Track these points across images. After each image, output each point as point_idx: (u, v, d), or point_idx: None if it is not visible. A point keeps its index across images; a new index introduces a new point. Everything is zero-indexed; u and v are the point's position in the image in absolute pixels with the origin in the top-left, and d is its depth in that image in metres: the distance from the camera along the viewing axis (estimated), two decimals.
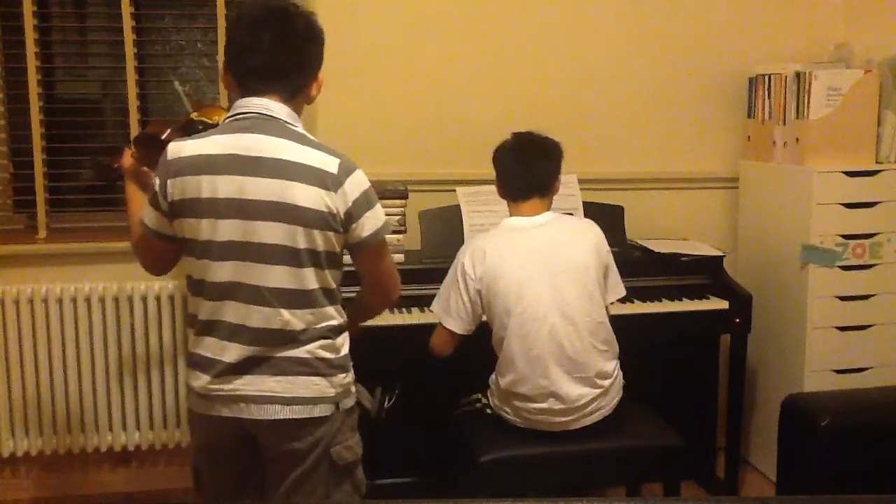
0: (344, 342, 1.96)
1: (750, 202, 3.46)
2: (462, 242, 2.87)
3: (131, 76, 3.20)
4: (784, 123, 3.23)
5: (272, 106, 1.88)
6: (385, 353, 2.79)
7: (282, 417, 1.86)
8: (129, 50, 3.19)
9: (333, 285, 1.92)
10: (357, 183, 1.88)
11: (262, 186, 1.81)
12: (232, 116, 1.90)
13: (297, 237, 1.83)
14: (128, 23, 3.18)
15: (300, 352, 1.87)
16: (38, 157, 3.20)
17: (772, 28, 3.49)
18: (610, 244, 2.57)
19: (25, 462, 3.26)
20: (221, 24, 3.22)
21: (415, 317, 2.86)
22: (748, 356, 3.18)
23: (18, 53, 3.15)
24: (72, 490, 3.29)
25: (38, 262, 3.16)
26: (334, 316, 1.93)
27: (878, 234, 3.13)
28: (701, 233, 3.50)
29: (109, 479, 3.32)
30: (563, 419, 2.45)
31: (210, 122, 2.08)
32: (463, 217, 3.03)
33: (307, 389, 1.88)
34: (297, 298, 1.85)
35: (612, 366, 2.50)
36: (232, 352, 1.86)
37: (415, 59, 3.29)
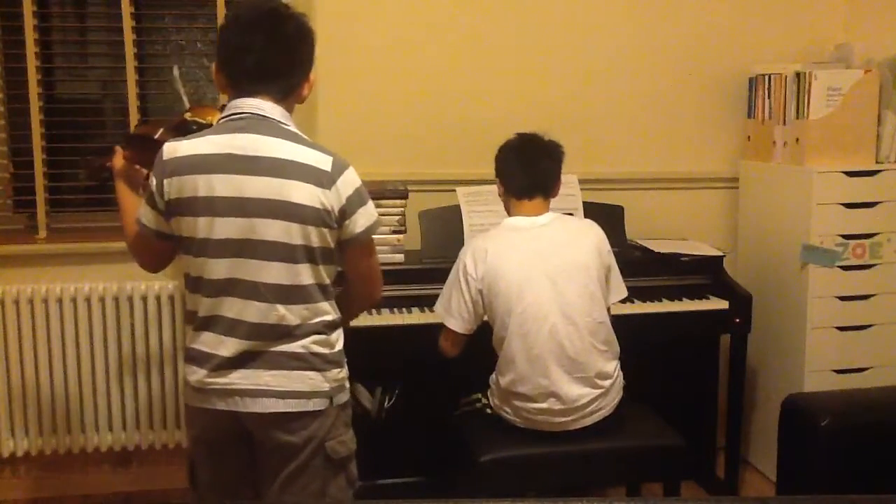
0: (338, 338, 2.00)
1: (750, 202, 3.46)
2: (462, 242, 2.87)
3: (131, 76, 3.20)
4: (784, 123, 3.23)
5: (265, 106, 1.91)
6: (385, 353, 2.80)
7: (276, 411, 1.89)
8: (129, 50, 3.19)
9: (328, 281, 1.95)
10: (350, 180, 1.91)
11: (260, 185, 1.85)
12: (226, 117, 1.93)
13: (294, 234, 1.86)
14: (128, 23, 3.18)
15: (295, 346, 1.90)
16: (38, 157, 3.20)
17: (772, 28, 3.49)
18: (610, 244, 2.57)
19: (25, 462, 3.26)
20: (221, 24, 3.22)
21: (415, 317, 2.86)
22: (748, 356, 3.18)
23: (18, 53, 3.15)
24: (71, 490, 3.29)
25: (38, 262, 3.16)
26: (329, 311, 1.96)
27: (878, 234, 3.13)
28: (701, 233, 3.50)
29: (109, 479, 3.32)
30: (563, 419, 2.45)
31: (204, 122, 2.11)
32: (463, 217, 3.03)
33: (301, 383, 1.91)
34: (292, 294, 1.89)
35: (613, 366, 2.50)
36: (228, 346, 1.89)
37: (415, 60, 3.29)
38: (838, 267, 3.11)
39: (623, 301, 2.65)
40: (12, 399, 3.15)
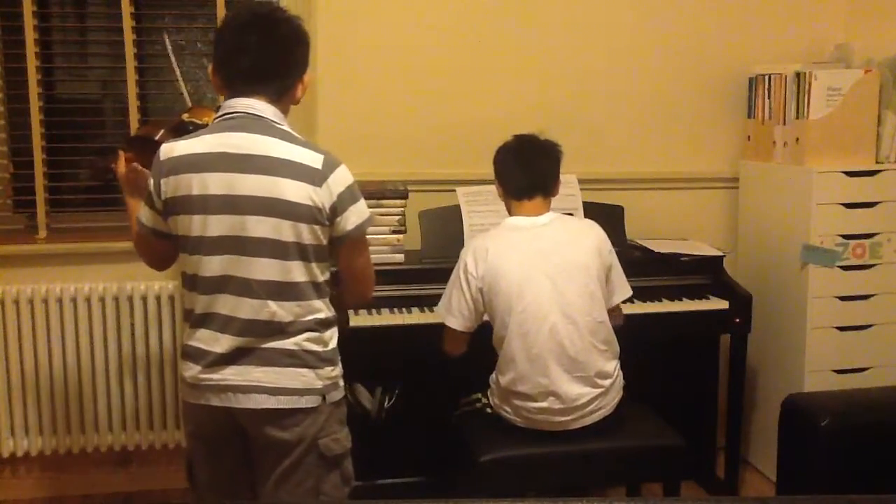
0: (332, 336, 2.01)
1: (750, 202, 3.46)
2: (462, 242, 2.87)
3: (131, 76, 3.20)
4: (784, 123, 3.23)
5: (258, 105, 1.94)
6: (385, 353, 2.80)
7: (267, 407, 1.91)
8: (129, 50, 3.19)
9: (321, 279, 1.97)
10: (341, 178, 1.93)
11: (251, 182, 1.87)
12: (220, 116, 1.96)
13: (285, 231, 1.88)
14: (128, 23, 3.18)
15: (287, 343, 1.92)
16: (38, 157, 3.20)
17: (772, 28, 3.49)
18: (610, 244, 2.57)
19: (25, 462, 3.26)
20: None
21: (415, 317, 2.86)
22: (748, 356, 3.18)
23: (18, 53, 3.15)
24: (71, 490, 3.29)
25: (38, 262, 3.16)
26: (322, 309, 1.97)
27: (878, 234, 3.13)
28: (701, 233, 3.50)
29: (109, 479, 3.32)
30: (563, 418, 2.45)
31: (200, 122, 2.15)
32: (463, 217, 3.03)
33: (293, 380, 1.92)
34: (284, 290, 1.90)
35: (613, 366, 2.50)
36: (223, 343, 1.91)
37: (415, 60, 3.29)
38: (838, 267, 3.11)
39: (623, 301, 2.65)
40: (12, 399, 3.15)
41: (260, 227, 1.87)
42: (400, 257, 2.99)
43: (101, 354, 3.16)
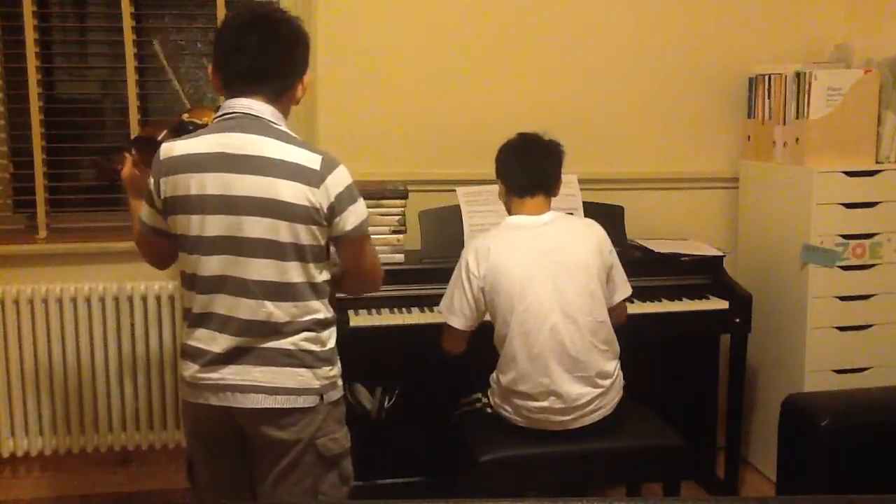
0: (330, 336, 2.01)
1: (750, 202, 3.46)
2: (462, 242, 2.88)
3: (131, 76, 3.20)
4: (784, 123, 3.23)
5: (256, 106, 1.94)
6: (385, 353, 2.80)
7: (265, 406, 1.92)
8: (129, 50, 3.19)
9: (319, 279, 1.97)
10: (340, 179, 1.93)
11: (247, 183, 1.87)
12: (219, 116, 1.96)
13: (281, 231, 1.88)
14: (128, 23, 3.18)
15: (285, 343, 1.92)
16: (38, 157, 3.20)
17: (772, 28, 3.49)
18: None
19: (25, 462, 3.26)
20: None
21: (415, 317, 2.86)
22: (748, 356, 3.18)
23: (18, 53, 3.15)
24: (71, 490, 3.29)
25: (38, 262, 3.16)
26: (320, 309, 1.97)
27: (878, 234, 3.13)
28: (701, 233, 3.50)
29: (109, 479, 3.32)
30: (563, 418, 2.45)
31: (200, 122, 2.15)
32: (463, 217, 3.03)
33: (291, 380, 1.93)
34: (280, 291, 1.91)
35: (613, 366, 2.50)
36: (221, 342, 1.92)
37: (415, 60, 3.29)
38: (838, 267, 3.11)
39: (623, 300, 2.65)
40: (12, 399, 3.14)
41: (256, 227, 1.87)
42: (400, 257, 2.99)
43: (101, 354, 3.16)
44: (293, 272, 1.91)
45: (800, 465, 2.77)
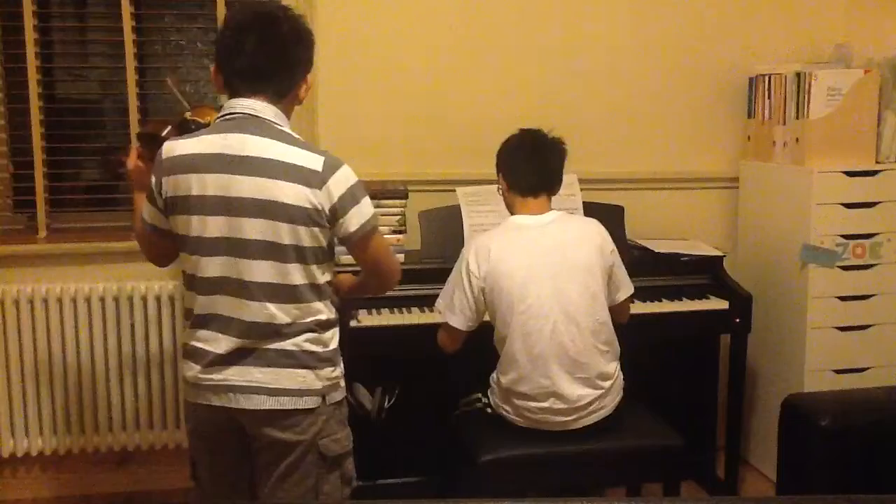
0: (333, 336, 2.00)
1: (750, 202, 3.46)
2: (462, 242, 2.87)
3: (131, 76, 3.20)
4: (784, 123, 3.23)
5: (258, 106, 1.93)
6: (385, 353, 2.80)
7: (267, 408, 1.91)
8: (129, 50, 3.19)
9: (321, 280, 1.96)
10: (342, 179, 1.92)
11: (247, 184, 1.86)
12: (221, 116, 1.96)
13: (281, 233, 1.87)
14: (128, 23, 3.18)
15: (286, 344, 1.92)
16: (38, 157, 3.20)
17: (772, 28, 3.49)
18: None
19: (25, 462, 3.26)
20: (221, 24, 3.22)
21: (415, 317, 2.86)
22: (748, 356, 3.18)
23: (18, 53, 3.15)
24: (72, 490, 3.29)
25: (38, 262, 3.16)
26: (322, 310, 1.96)
27: (878, 234, 3.13)
28: (701, 233, 3.50)
29: (109, 479, 3.32)
30: (564, 418, 2.45)
31: (202, 121, 2.14)
32: (463, 217, 3.03)
33: (293, 381, 1.92)
34: (282, 293, 1.90)
35: (613, 367, 2.50)
36: (222, 343, 1.91)
37: (415, 60, 3.29)
38: (838, 267, 3.11)
39: (625, 299, 2.65)
40: (13, 399, 3.14)
41: (256, 229, 1.87)
42: (400, 257, 2.99)
43: (101, 354, 3.16)
44: (295, 274, 1.90)
45: (800, 465, 2.76)
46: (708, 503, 2.57)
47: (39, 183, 3.21)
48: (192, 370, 1.95)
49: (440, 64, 3.31)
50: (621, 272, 2.57)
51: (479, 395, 2.65)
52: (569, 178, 2.98)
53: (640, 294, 2.98)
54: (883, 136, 3.15)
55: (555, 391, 2.42)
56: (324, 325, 1.97)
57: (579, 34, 3.38)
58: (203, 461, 2.07)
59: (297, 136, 1.95)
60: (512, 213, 2.56)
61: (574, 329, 2.41)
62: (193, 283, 1.95)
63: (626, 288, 2.59)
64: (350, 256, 2.08)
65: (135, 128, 3.21)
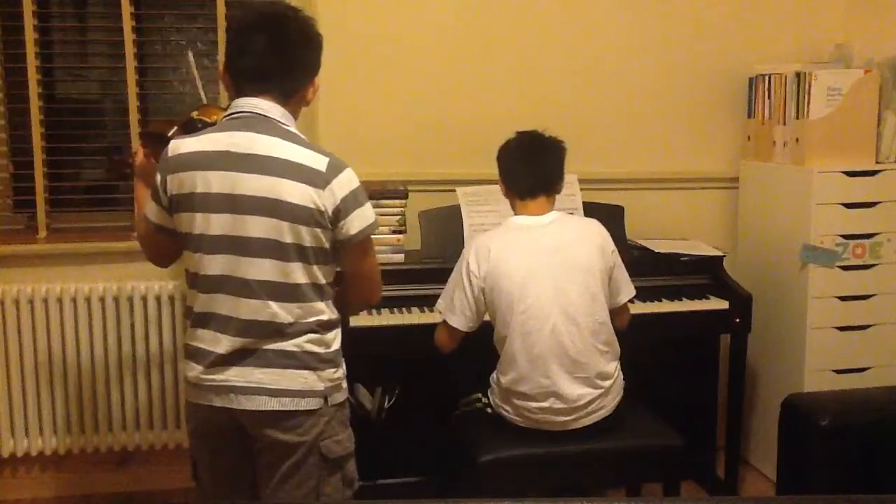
0: (335, 337, 2.00)
1: (750, 202, 3.46)
2: (462, 242, 2.88)
3: (131, 76, 3.20)
4: (784, 123, 3.23)
5: (265, 105, 1.93)
6: (385, 353, 2.80)
7: (268, 409, 1.91)
8: (129, 50, 3.19)
9: (323, 281, 1.96)
10: (346, 181, 1.91)
11: (251, 182, 1.86)
12: (228, 115, 1.96)
13: (284, 232, 1.87)
14: (128, 23, 3.18)
15: (288, 345, 1.91)
16: (38, 157, 3.20)
17: (772, 28, 3.49)
18: None
19: (25, 462, 3.26)
20: (221, 24, 3.23)
21: (415, 317, 2.86)
22: (748, 356, 3.18)
23: (18, 53, 3.15)
24: (71, 490, 3.29)
25: (38, 262, 3.16)
26: (324, 311, 1.96)
27: (878, 234, 3.13)
28: (701, 233, 3.50)
29: (109, 479, 3.32)
30: (564, 418, 2.45)
31: (209, 120, 2.15)
32: (463, 217, 3.03)
33: (294, 382, 1.92)
34: (284, 291, 1.90)
35: (613, 367, 2.50)
36: (223, 343, 1.91)
37: (415, 60, 3.29)
38: (838, 267, 3.11)
39: (626, 303, 2.65)
40: (13, 399, 3.15)
41: (259, 227, 1.86)
42: (400, 257, 2.99)
43: (100, 355, 3.16)
44: (297, 273, 1.90)
45: (800, 465, 2.77)
46: (708, 503, 2.57)
47: (39, 183, 3.21)
48: (194, 371, 1.95)
49: (440, 64, 3.31)
50: (622, 273, 2.57)
51: (479, 395, 2.66)
52: (569, 178, 2.97)
53: (640, 294, 2.97)
54: (883, 136, 3.15)
55: (555, 391, 2.42)
56: (326, 326, 1.96)
57: (579, 34, 3.38)
58: (204, 461, 2.06)
59: (302, 137, 1.95)
60: (515, 214, 2.56)
61: (574, 329, 2.41)
62: (195, 282, 1.94)
63: (626, 289, 2.59)
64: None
65: (135, 128, 3.21)
